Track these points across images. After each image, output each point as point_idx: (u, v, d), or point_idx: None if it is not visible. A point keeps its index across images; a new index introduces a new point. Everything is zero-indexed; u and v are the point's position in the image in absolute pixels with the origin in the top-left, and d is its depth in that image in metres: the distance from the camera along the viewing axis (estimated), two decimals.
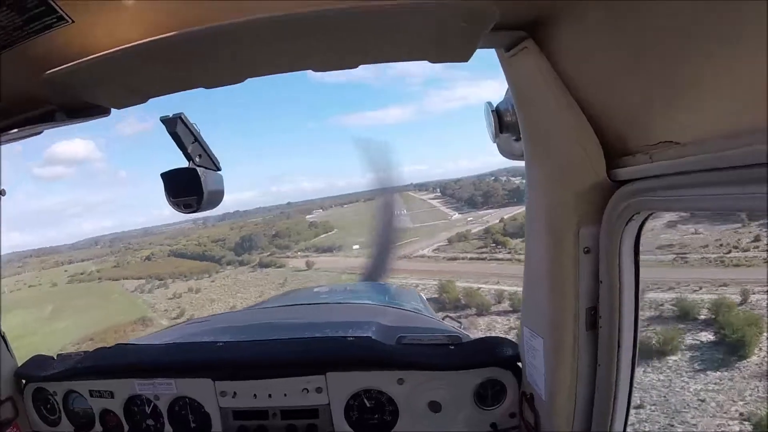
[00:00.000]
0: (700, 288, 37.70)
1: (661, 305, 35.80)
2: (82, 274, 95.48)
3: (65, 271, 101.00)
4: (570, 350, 1.31)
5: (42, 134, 1.54)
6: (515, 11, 1.07)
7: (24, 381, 2.04)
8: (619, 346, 1.25)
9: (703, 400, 25.58)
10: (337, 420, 1.81)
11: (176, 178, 1.46)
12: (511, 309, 42.24)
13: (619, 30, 0.94)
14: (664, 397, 26.46)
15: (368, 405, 1.81)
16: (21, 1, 0.88)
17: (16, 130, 1.40)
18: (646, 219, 1.14)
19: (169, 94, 1.23)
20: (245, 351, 1.89)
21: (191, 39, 0.95)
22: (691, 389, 26.54)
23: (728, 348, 28.56)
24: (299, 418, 1.82)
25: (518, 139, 1.40)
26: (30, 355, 2.12)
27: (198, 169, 1.44)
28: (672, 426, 24.48)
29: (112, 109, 1.38)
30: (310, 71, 1.23)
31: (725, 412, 24.66)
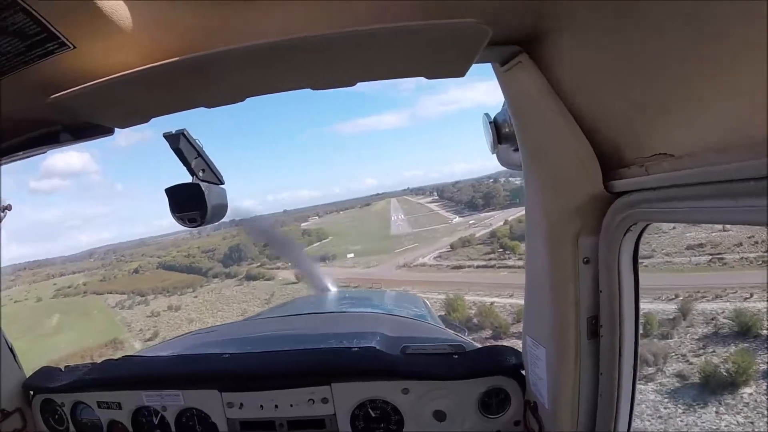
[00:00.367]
0: (751, 295, 31.29)
1: (713, 319, 29.36)
2: (69, 287, 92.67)
3: (54, 284, 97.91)
4: (572, 359, 1.34)
5: None
6: (509, 27, 1.10)
7: (32, 392, 2.07)
8: (620, 355, 1.27)
9: None
10: (343, 430, 1.83)
11: (180, 193, 1.48)
12: None
13: (613, 43, 0.97)
14: None
15: (374, 415, 1.83)
16: (23, 28, 0.91)
17: (20, 153, 1.44)
18: (644, 229, 1.17)
19: (171, 113, 1.26)
20: (251, 362, 1.92)
21: (192, 64, 0.98)
22: None
23: None
24: (306, 428, 1.84)
25: (517, 150, 1.43)
26: None
27: (201, 184, 1.46)
28: None
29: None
30: None
31: None
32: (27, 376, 2.05)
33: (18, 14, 0.86)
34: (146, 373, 1.94)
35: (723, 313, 29.70)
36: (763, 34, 0.66)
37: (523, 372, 1.69)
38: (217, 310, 62.37)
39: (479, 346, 1.92)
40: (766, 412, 21.15)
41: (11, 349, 1.99)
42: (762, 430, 19.78)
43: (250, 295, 66.66)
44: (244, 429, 1.85)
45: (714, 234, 42.28)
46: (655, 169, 1.00)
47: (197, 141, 1.46)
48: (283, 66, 1.05)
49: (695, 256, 41.69)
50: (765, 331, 26.57)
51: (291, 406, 1.80)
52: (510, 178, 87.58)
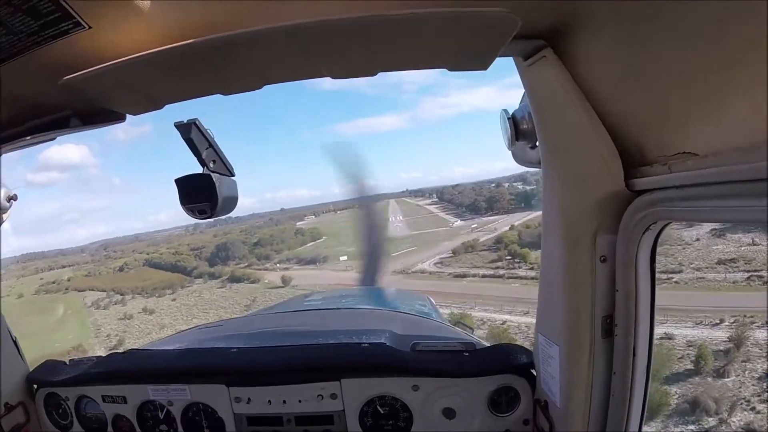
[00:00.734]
0: None
1: None
2: (53, 283, 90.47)
3: (41, 279, 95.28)
4: (585, 358, 1.34)
5: None
6: (535, 21, 1.11)
7: (36, 386, 2.06)
8: (634, 355, 1.28)
9: None
10: (352, 426, 1.84)
11: (190, 183, 1.45)
12: None
13: (638, 40, 0.98)
14: None
15: (382, 411, 1.84)
16: (37, 7, 0.89)
17: (29, 138, 1.41)
18: (663, 228, 1.18)
19: (185, 100, 1.24)
20: (260, 357, 1.92)
21: (209, 47, 0.97)
22: None
23: None
24: (314, 424, 1.84)
25: (534, 147, 1.44)
26: None
27: (213, 174, 1.44)
28: None
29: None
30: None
31: None
32: (30, 370, 2.06)
33: None
34: (152, 366, 1.94)
35: None
36: None
37: (534, 371, 1.70)
38: (192, 316, 58.52)
39: (488, 344, 1.91)
40: None
41: (15, 342, 1.98)
42: None
43: (231, 300, 63.41)
44: (251, 424, 1.86)
45: (744, 249, 37.17)
46: (678, 167, 0.99)
47: (209, 131, 1.43)
48: (302, 51, 1.03)
49: (730, 272, 36.21)
50: None
51: (299, 401, 1.81)
52: (514, 183, 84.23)
